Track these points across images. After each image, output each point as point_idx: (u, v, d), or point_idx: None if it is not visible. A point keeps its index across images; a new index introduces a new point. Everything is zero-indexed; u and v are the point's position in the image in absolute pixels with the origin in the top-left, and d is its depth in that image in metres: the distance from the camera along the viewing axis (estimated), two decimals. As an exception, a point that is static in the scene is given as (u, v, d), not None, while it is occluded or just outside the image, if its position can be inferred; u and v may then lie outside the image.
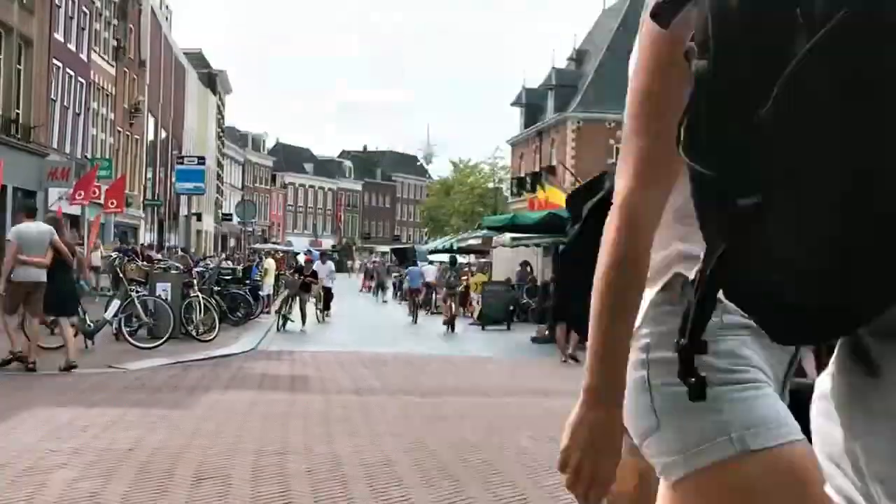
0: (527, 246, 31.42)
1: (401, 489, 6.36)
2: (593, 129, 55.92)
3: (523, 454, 7.69)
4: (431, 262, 36.82)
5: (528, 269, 31.01)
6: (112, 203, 35.67)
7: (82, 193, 32.12)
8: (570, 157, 53.75)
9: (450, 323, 25.23)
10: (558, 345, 16.86)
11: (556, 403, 11.19)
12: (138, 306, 16.59)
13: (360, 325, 26.91)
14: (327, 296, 27.58)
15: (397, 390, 12.18)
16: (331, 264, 29.54)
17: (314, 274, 26.11)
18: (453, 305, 26.15)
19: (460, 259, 39.26)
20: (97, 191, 34.19)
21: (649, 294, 1.74)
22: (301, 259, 32.97)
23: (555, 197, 31.94)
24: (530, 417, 9.86)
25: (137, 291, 16.96)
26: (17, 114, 30.35)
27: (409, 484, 6.51)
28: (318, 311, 26.96)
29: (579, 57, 61.82)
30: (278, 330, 23.03)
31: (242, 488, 6.26)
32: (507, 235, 31.42)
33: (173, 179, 55.59)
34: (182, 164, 55.70)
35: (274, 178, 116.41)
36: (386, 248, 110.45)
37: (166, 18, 56.78)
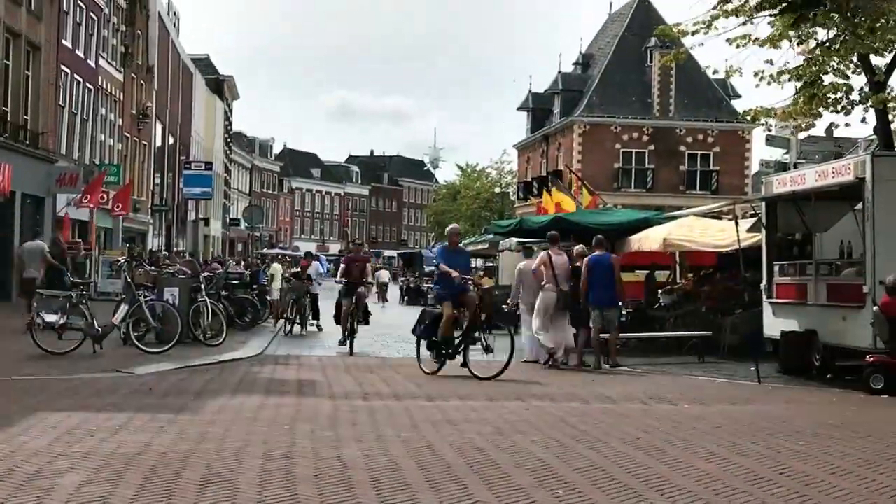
0: (534, 250, 31.34)
1: (408, 493, 6.36)
2: (599, 133, 55.95)
3: (530, 458, 7.69)
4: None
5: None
6: (118, 206, 35.80)
7: (88, 197, 32.23)
8: (577, 161, 53.77)
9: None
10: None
11: (563, 407, 11.19)
12: (146, 311, 16.62)
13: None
14: (314, 303, 24.62)
15: (404, 395, 12.18)
16: (318, 265, 26.68)
17: (310, 277, 24.79)
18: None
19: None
20: (105, 196, 34.31)
21: None
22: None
23: (562, 201, 31.92)
24: (537, 422, 9.85)
25: (146, 296, 17.00)
26: (26, 120, 30.44)
27: (416, 488, 6.52)
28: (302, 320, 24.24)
29: (585, 61, 61.88)
30: (286, 335, 23.06)
31: (249, 492, 6.27)
32: (514, 240, 31.39)
33: (181, 185, 55.70)
34: (189, 169, 55.83)
35: (281, 184, 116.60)
36: (393, 253, 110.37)
37: (174, 24, 56.90)
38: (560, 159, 56.76)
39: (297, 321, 24.02)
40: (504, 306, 19.44)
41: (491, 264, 37.25)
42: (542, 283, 16.76)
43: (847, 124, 19.67)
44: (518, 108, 66.42)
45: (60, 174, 31.76)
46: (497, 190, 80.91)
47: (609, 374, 15.95)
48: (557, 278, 16.69)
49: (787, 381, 14.91)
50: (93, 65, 37.59)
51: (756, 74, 19.76)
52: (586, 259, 16.93)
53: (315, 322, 24.45)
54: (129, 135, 44.05)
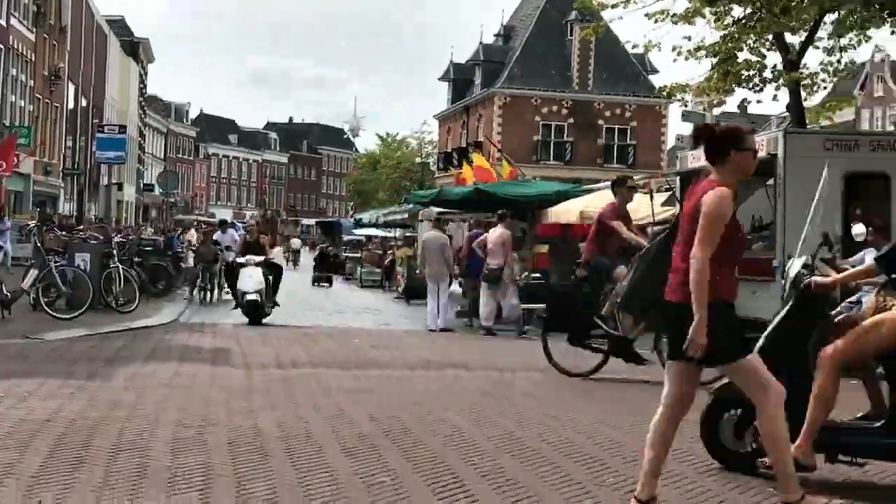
0: (452, 221, 31.45)
1: (322, 460, 6.37)
2: (519, 105, 56.13)
3: (444, 426, 7.74)
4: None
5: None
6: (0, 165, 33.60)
7: (3, 164, 31.29)
8: (497, 133, 53.90)
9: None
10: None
11: (477, 376, 11.28)
12: (56, 276, 16.31)
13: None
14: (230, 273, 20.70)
15: (319, 363, 12.15)
16: (232, 233, 24.89)
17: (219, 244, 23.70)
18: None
19: (385, 233, 39.17)
20: (16, 159, 33.35)
21: None
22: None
23: (482, 165, 32.00)
24: (452, 390, 9.92)
25: (56, 261, 16.68)
26: (-68, 78, 29.54)
27: (330, 455, 6.52)
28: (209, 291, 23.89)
29: (507, 33, 61.92)
30: (201, 303, 22.85)
31: (162, 460, 6.22)
32: (433, 209, 31.43)
33: (94, 148, 54.59)
34: (103, 132, 54.70)
35: (197, 149, 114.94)
36: (311, 221, 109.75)
37: (88, -16, 55.55)
38: (480, 130, 56.84)
39: (209, 288, 23.89)
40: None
41: (410, 234, 37.25)
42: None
43: (759, 101, 20.08)
44: (439, 79, 66.30)
45: (-31, 135, 30.91)
46: (417, 160, 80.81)
47: (529, 343, 16.09)
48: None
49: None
50: (3, 24, 36.55)
51: (674, 49, 20.02)
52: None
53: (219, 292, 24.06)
54: (40, 96, 42.97)
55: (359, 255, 41.42)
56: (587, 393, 10.28)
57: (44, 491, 5.38)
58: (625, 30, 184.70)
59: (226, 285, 23.08)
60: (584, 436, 7.61)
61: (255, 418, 7.83)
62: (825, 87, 20.93)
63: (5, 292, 15.45)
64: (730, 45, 19.75)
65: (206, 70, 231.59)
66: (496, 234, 17.67)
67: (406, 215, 35.04)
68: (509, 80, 56.49)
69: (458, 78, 63.03)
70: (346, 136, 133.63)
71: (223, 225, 26.92)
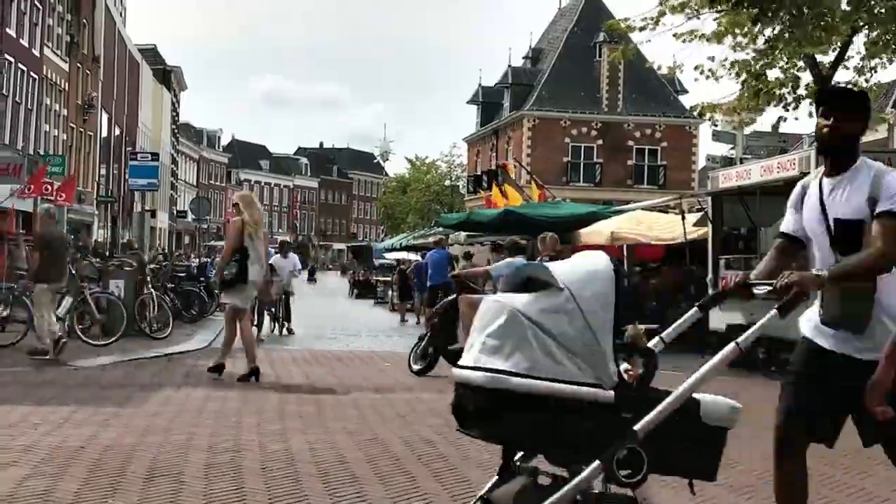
0: (482, 244, 31.44)
1: (355, 486, 6.36)
2: (548, 127, 56.16)
3: (476, 449, 7.71)
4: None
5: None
6: (61, 196, 34.99)
7: (31, 188, 31.72)
8: (526, 155, 53.95)
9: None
10: None
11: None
12: (91, 303, 16.44)
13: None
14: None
15: (351, 387, 12.16)
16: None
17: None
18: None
19: (416, 257, 39.18)
20: (49, 187, 33.77)
21: None
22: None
23: (510, 194, 32.02)
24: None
25: (90, 288, 16.81)
26: (-33, 109, 29.95)
27: (363, 480, 6.51)
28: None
29: (535, 55, 62.07)
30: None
31: (195, 485, 6.23)
32: (462, 234, 31.42)
33: (127, 176, 55.07)
34: (135, 160, 55.17)
35: (229, 175, 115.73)
36: (342, 246, 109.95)
37: (120, 14, 56.23)
38: (510, 153, 56.92)
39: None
40: None
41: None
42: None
43: (796, 118, 19.86)
44: (468, 102, 66.48)
45: (3, 164, 31.24)
46: (447, 183, 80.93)
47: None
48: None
49: (733, 374, 15.08)
50: (37, 54, 37.03)
51: (696, 68, 19.97)
52: None
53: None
54: (74, 125, 43.45)
55: (389, 278, 41.47)
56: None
57: (79, 517, 5.40)
58: (654, 50, 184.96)
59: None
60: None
61: (287, 442, 7.84)
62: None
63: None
64: (761, 63, 19.67)
65: (234, 95, 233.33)
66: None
67: (436, 238, 35.04)
68: (538, 102, 56.55)
69: (487, 101, 63.19)
70: (375, 161, 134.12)
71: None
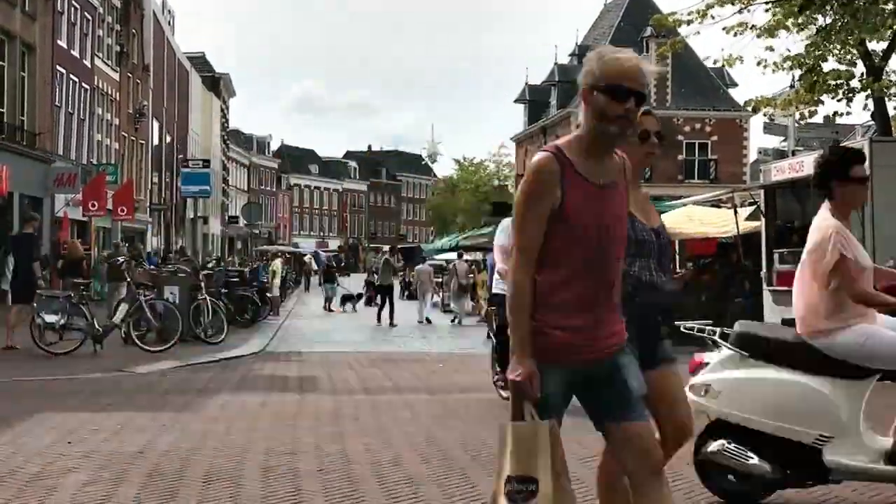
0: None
1: (412, 486, 6.35)
2: (598, 124, 55.85)
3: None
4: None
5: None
6: (122, 210, 35.63)
7: (96, 204, 32.21)
8: (575, 153, 53.65)
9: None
10: None
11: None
12: (147, 310, 16.61)
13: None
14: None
15: (406, 389, 12.18)
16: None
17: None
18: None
19: (468, 257, 39.22)
20: (96, 203, 34.16)
21: None
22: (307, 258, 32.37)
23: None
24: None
25: (146, 295, 16.99)
26: (22, 121, 30.38)
27: (419, 481, 6.51)
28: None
29: (581, 52, 61.71)
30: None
31: (253, 488, 6.26)
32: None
33: (179, 183, 55.64)
34: (187, 167, 55.73)
35: (279, 180, 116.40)
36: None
37: (169, 23, 56.78)
38: (558, 151, 56.66)
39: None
40: None
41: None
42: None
43: (848, 112, 19.52)
44: (515, 101, 66.34)
45: (58, 174, 31.70)
46: (496, 183, 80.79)
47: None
48: None
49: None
50: (88, 64, 37.51)
51: (759, 63, 19.70)
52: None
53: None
54: (125, 134, 43.97)
55: (440, 279, 41.50)
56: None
57: (139, 522, 5.45)
58: (703, 44, 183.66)
59: None
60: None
61: (343, 444, 7.86)
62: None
63: (98, 327, 15.77)
64: (815, 54, 19.39)
65: (280, 100, 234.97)
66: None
67: (486, 239, 34.98)
68: (586, 99, 56.28)
69: (534, 99, 63.00)
70: (424, 162, 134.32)
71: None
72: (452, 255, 46.50)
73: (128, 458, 7.18)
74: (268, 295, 27.31)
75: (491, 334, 13.67)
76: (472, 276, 33.37)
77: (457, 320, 29.02)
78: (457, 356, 17.75)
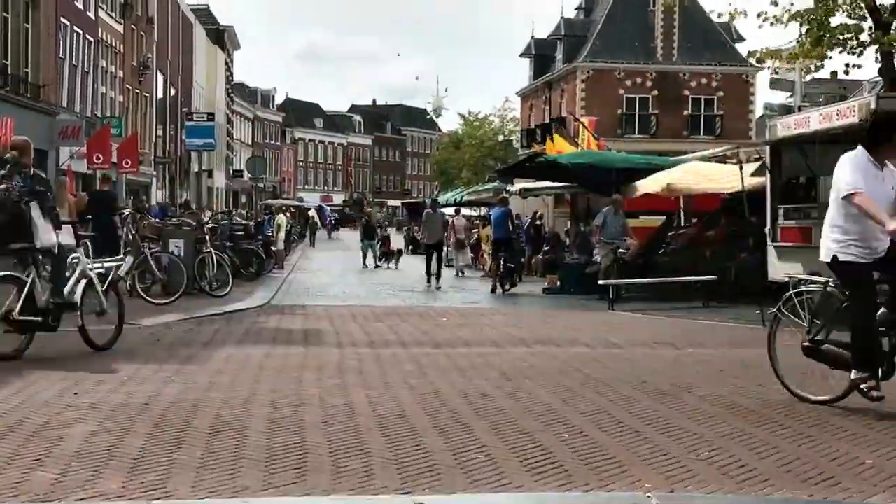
0: (536, 196, 31.36)
1: (415, 438, 6.40)
2: (603, 79, 55.60)
3: (536, 403, 7.73)
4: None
5: (539, 219, 31.17)
6: (126, 162, 35.69)
7: (101, 157, 32.18)
8: (580, 108, 53.48)
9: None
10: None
11: (568, 352, 11.23)
12: (152, 263, 16.67)
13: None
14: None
15: (411, 342, 12.23)
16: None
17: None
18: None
19: (470, 212, 39.19)
20: (100, 156, 34.16)
21: None
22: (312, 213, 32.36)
23: (564, 148, 31.81)
24: (542, 367, 9.90)
25: (150, 248, 17.02)
26: (26, 73, 30.28)
27: (423, 433, 6.55)
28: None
29: (588, 6, 61.35)
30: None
31: (258, 439, 6.31)
32: (518, 186, 31.32)
33: (183, 136, 55.54)
34: (192, 120, 55.60)
35: (284, 134, 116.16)
36: (397, 203, 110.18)
37: (172, -26, 56.37)
38: (563, 106, 56.46)
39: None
40: None
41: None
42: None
43: (858, 66, 19.36)
44: (520, 55, 65.99)
45: (63, 127, 31.63)
46: (500, 138, 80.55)
47: (615, 317, 16.02)
48: None
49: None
50: (92, 16, 37.31)
51: (759, 16, 19.57)
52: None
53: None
54: (130, 87, 43.81)
55: (446, 234, 41.53)
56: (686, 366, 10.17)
57: (146, 472, 5.50)
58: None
59: None
60: (678, 411, 7.53)
61: (348, 397, 7.90)
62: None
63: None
64: (823, 8, 19.22)
65: (282, 52, 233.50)
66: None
67: (491, 193, 34.96)
68: (592, 53, 55.97)
69: (540, 53, 62.64)
70: (428, 117, 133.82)
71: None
72: (450, 211, 46.64)
73: (134, 409, 7.23)
74: (272, 249, 27.33)
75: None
76: (475, 231, 33.51)
77: (461, 273, 29.30)
78: (461, 310, 17.81)
